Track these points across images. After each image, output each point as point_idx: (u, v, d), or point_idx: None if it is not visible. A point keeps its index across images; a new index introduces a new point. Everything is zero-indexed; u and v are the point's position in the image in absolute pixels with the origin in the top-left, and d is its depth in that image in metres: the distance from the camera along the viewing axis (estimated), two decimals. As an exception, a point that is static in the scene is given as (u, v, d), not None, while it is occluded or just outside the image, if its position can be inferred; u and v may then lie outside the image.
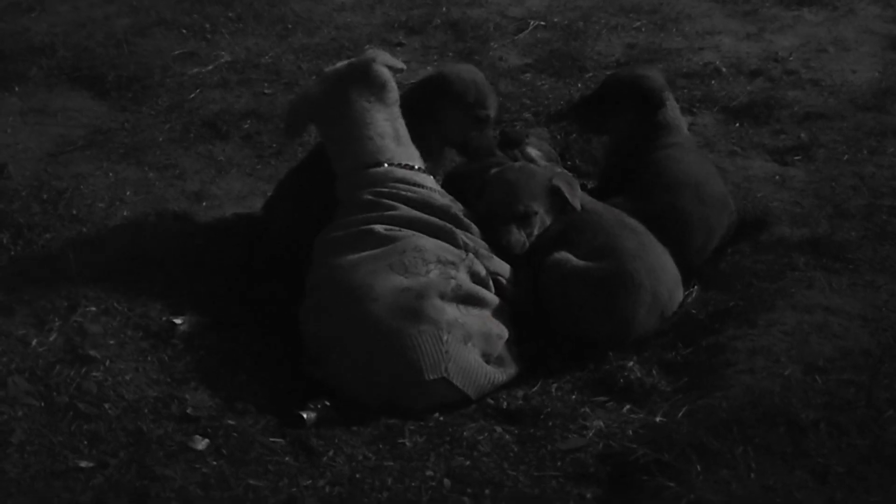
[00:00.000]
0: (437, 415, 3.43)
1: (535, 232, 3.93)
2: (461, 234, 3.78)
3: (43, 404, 3.28)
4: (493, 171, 4.02)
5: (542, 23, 6.36)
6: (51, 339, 3.58)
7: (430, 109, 4.06)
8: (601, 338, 3.74)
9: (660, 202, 4.07)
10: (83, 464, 3.08)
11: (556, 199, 3.94)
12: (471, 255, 3.73)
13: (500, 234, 3.87)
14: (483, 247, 3.81)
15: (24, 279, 3.85)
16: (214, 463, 3.14)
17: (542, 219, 3.93)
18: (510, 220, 3.90)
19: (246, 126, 5.11)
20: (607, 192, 4.19)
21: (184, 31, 6.12)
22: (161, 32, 6.09)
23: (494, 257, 3.81)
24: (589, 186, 4.37)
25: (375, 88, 3.92)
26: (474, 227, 3.85)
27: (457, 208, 3.86)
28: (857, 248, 4.03)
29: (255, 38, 6.13)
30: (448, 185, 4.10)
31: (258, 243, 4.16)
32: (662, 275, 3.81)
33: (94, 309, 3.75)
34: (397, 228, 3.72)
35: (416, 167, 3.89)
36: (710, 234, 4.14)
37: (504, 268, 3.81)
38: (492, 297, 3.68)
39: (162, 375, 3.53)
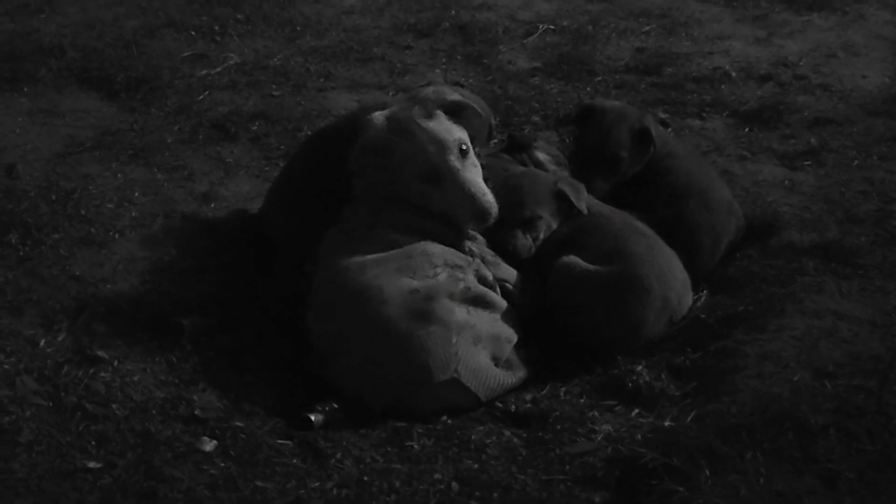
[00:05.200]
0: (445, 418, 3.43)
1: (541, 236, 3.92)
2: (466, 243, 3.77)
3: (51, 404, 3.28)
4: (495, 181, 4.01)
5: (551, 26, 6.36)
6: (59, 339, 3.58)
7: None
8: (610, 342, 3.73)
9: (666, 212, 4.07)
10: (91, 464, 3.07)
11: (562, 203, 3.94)
12: (477, 259, 3.73)
13: (505, 240, 3.87)
14: (489, 254, 3.81)
15: (32, 279, 3.85)
16: (222, 464, 3.14)
17: (548, 223, 3.93)
18: (515, 225, 3.90)
19: (254, 128, 5.11)
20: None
21: (193, 32, 6.13)
22: (170, 34, 6.09)
23: (501, 264, 3.81)
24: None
25: None
26: (479, 237, 3.84)
27: None
28: (866, 253, 4.02)
29: (264, 40, 6.14)
30: None
31: (259, 245, 4.18)
32: (671, 279, 3.80)
33: (102, 310, 3.75)
34: (404, 233, 3.71)
35: None
36: (718, 241, 4.14)
37: (511, 274, 3.81)
38: (500, 301, 3.68)
39: (170, 376, 3.53)
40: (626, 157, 4.19)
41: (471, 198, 3.70)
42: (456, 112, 3.80)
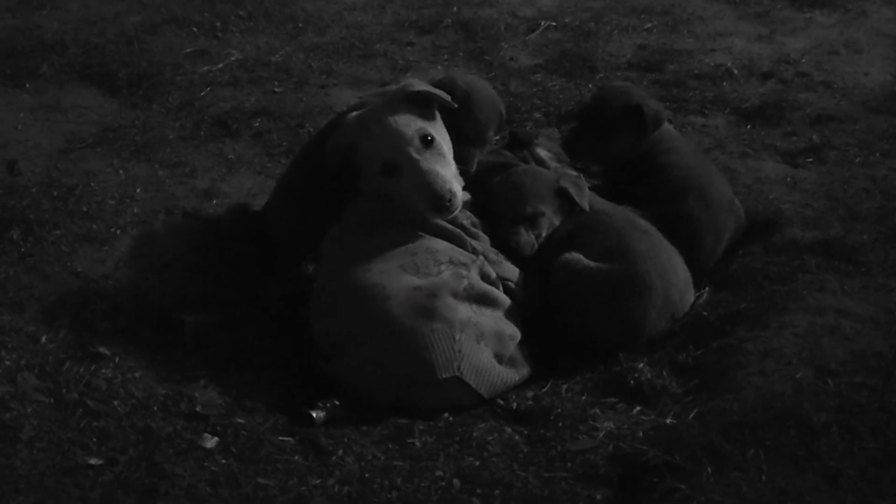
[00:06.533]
0: (446, 415, 3.42)
1: (544, 233, 3.92)
2: (469, 240, 3.77)
3: (52, 401, 3.27)
4: (497, 178, 4.01)
5: (553, 23, 6.36)
6: (60, 335, 3.58)
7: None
8: (612, 339, 3.72)
9: (666, 209, 4.06)
10: (92, 461, 3.07)
11: (564, 200, 3.93)
12: (481, 257, 3.72)
13: (508, 237, 3.86)
14: (492, 252, 3.80)
15: (34, 276, 3.85)
16: (223, 461, 3.13)
17: (551, 220, 3.92)
18: (518, 221, 3.89)
19: (256, 124, 5.11)
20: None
21: (194, 28, 6.13)
22: (172, 30, 6.10)
23: (504, 262, 3.80)
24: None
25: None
26: (482, 236, 3.83)
27: (464, 217, 3.84)
28: (869, 250, 4.01)
29: (266, 36, 6.14)
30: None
31: (261, 242, 4.18)
32: (673, 276, 3.80)
33: (103, 306, 3.74)
34: (409, 230, 3.71)
35: None
36: (719, 237, 4.13)
37: (513, 272, 3.80)
38: (504, 298, 3.67)
39: (171, 373, 3.52)
40: (615, 126, 4.16)
41: (427, 185, 3.64)
42: (422, 102, 3.77)
